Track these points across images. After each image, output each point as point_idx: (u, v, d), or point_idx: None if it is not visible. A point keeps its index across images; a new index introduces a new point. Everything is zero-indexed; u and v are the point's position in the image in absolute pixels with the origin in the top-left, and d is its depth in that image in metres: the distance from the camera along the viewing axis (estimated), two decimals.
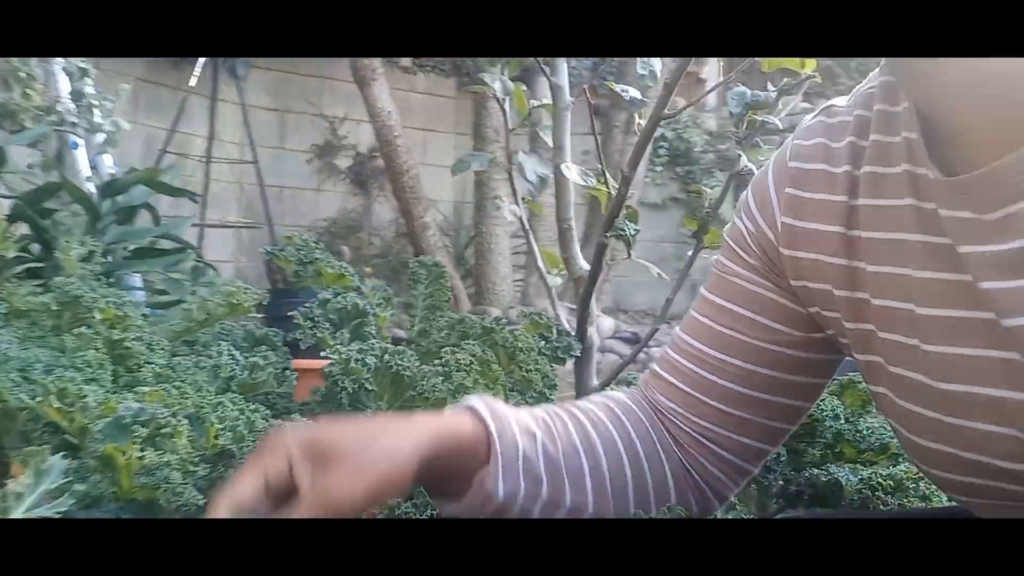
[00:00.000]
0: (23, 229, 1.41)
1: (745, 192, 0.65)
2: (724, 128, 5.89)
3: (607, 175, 0.91)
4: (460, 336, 1.23)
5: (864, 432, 0.90)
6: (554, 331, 1.04)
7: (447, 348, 0.89)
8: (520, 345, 0.94)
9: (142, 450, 0.56)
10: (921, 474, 0.76)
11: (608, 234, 0.88)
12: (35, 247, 1.38)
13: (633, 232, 0.88)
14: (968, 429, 0.51)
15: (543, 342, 1.03)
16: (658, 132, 4.15)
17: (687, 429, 0.64)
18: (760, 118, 0.99)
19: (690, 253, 1.03)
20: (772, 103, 0.99)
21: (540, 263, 1.24)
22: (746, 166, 0.95)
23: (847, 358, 0.67)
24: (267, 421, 0.59)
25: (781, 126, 1.00)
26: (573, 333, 1.06)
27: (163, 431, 0.57)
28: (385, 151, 3.34)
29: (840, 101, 0.63)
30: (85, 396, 0.57)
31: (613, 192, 0.90)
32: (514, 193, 1.27)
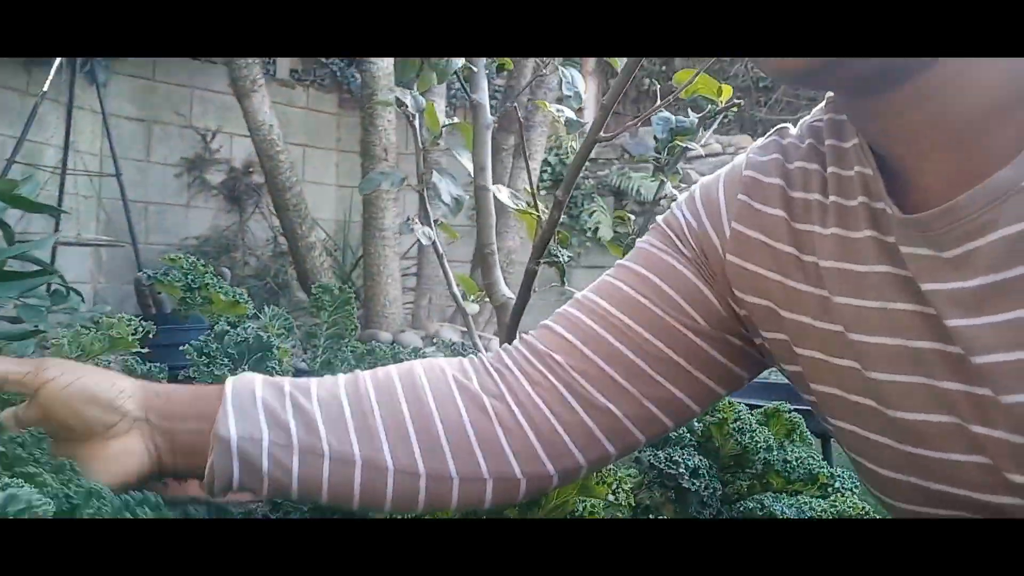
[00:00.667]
0: None
1: (691, 189, 0.63)
2: (601, 155, 6.07)
3: (536, 199, 0.87)
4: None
5: (793, 463, 0.90)
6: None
7: None
8: None
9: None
10: (871, 506, 0.75)
11: (541, 260, 0.83)
12: None
13: (567, 259, 0.84)
14: (936, 460, 0.50)
15: None
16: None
17: (554, 379, 0.58)
18: (683, 144, 0.98)
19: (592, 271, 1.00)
20: (694, 130, 0.99)
21: (454, 288, 1.17)
22: (671, 192, 0.94)
23: (749, 382, 0.65)
24: (159, 510, 0.49)
25: (703, 152, 1.00)
26: None
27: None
28: (266, 166, 3.16)
29: (792, 128, 0.62)
30: None
31: (543, 216, 0.86)
32: (426, 215, 1.20)
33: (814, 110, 0.61)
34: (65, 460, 0.53)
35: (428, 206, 1.24)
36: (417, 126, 1.13)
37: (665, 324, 0.59)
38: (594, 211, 5.29)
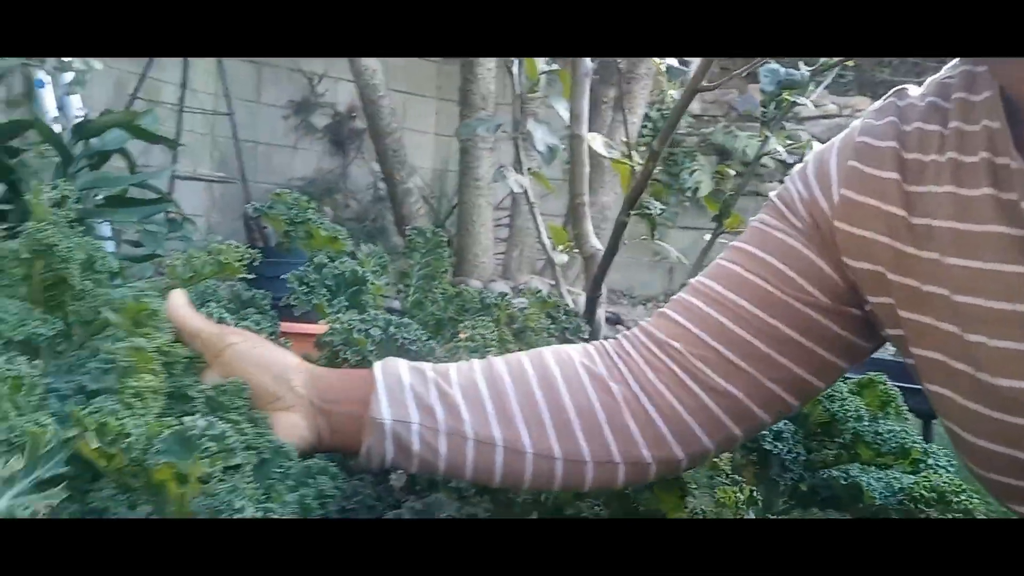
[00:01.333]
0: None
1: (805, 161, 0.63)
2: (707, 111, 5.86)
3: (631, 150, 0.86)
4: (458, 309, 1.17)
5: (884, 435, 0.87)
6: (562, 311, 0.99)
7: (466, 323, 0.83)
8: (531, 324, 0.89)
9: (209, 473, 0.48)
10: (967, 484, 0.73)
11: (632, 212, 0.82)
12: (0, 188, 1.28)
13: (659, 211, 0.83)
14: None
15: (550, 322, 0.98)
16: (643, 110, 4.06)
17: (674, 366, 0.60)
18: (792, 99, 0.94)
19: (707, 237, 0.98)
20: (805, 84, 0.94)
21: (545, 239, 1.18)
22: (775, 149, 0.90)
23: (871, 355, 0.64)
24: (335, 479, 0.55)
25: (815, 110, 0.96)
26: (580, 314, 1.01)
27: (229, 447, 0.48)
28: (368, 111, 3.23)
29: (912, 88, 0.60)
30: (128, 434, 0.47)
31: (638, 168, 0.85)
32: (519, 163, 1.21)
33: (945, 67, 0.59)
34: (260, 414, 0.58)
35: (522, 154, 1.24)
36: (515, 73, 1.13)
37: (781, 303, 0.58)
38: (695, 170, 5.15)
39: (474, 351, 0.81)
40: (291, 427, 0.60)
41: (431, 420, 0.59)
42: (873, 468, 0.87)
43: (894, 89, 0.61)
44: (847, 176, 0.58)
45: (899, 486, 0.79)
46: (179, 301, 0.68)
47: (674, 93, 0.84)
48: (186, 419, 0.48)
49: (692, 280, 0.64)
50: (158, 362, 0.57)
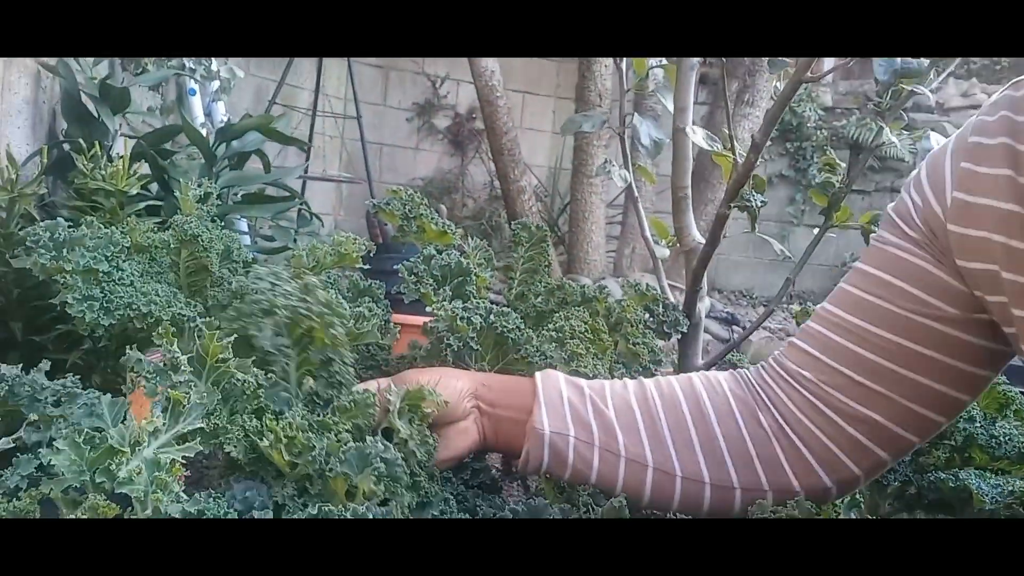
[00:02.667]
0: (143, 169, 1.47)
1: (918, 168, 0.62)
2: (840, 104, 5.57)
3: (734, 141, 0.85)
4: (559, 302, 1.20)
5: (1000, 438, 0.83)
6: (660, 304, 0.99)
7: (559, 314, 0.86)
8: (628, 316, 0.90)
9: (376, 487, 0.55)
10: None
11: (733, 204, 0.82)
12: (154, 187, 1.43)
13: (760, 204, 0.83)
14: None
15: (648, 315, 0.99)
16: (765, 104, 3.93)
17: (810, 396, 0.60)
18: (910, 88, 0.90)
19: (816, 231, 0.96)
20: (924, 72, 0.90)
21: (647, 232, 1.19)
22: (889, 140, 0.87)
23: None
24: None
25: (932, 99, 0.91)
26: (679, 308, 1.01)
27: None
28: (486, 111, 3.32)
29: None
30: (313, 448, 0.55)
31: (739, 160, 0.84)
32: (625, 157, 1.22)
33: None
34: (442, 471, 0.65)
35: (627, 148, 1.26)
36: (624, 68, 1.14)
37: (906, 321, 0.58)
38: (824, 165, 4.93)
39: (560, 341, 0.83)
40: (460, 434, 0.66)
41: (587, 435, 0.62)
42: (989, 473, 0.83)
43: (1011, 81, 0.58)
44: (960, 179, 0.56)
45: (1010, 489, 0.75)
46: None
47: (778, 85, 0.83)
48: (369, 439, 0.55)
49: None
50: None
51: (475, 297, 1.03)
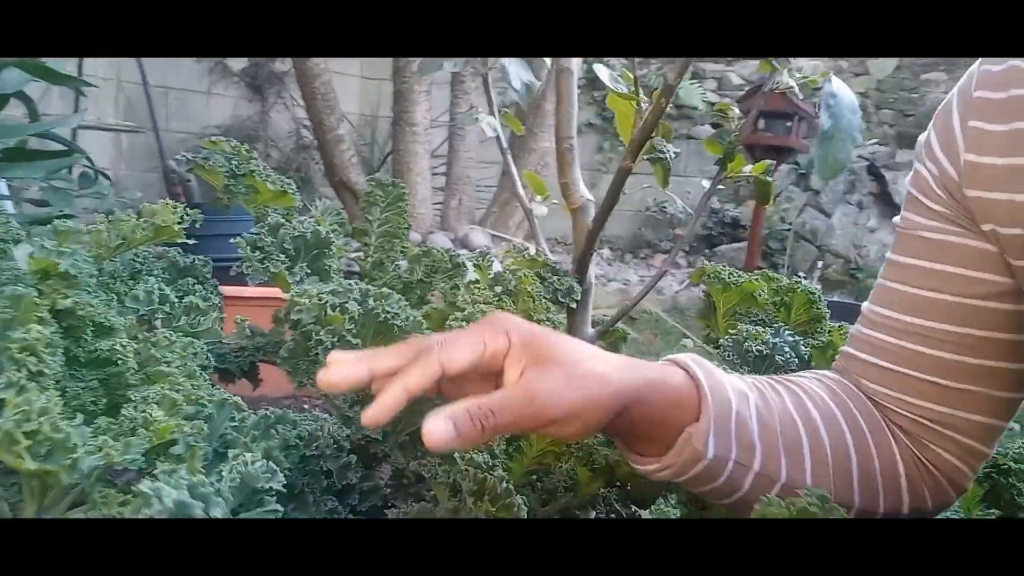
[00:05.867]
0: None
1: (925, 132, 0.56)
2: None
3: (638, 83, 0.75)
4: (427, 271, 1.05)
5: None
6: (551, 271, 0.88)
7: (462, 296, 0.72)
8: (526, 288, 0.78)
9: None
10: None
11: (645, 156, 0.72)
12: None
13: (673, 156, 0.73)
14: None
15: (539, 282, 0.87)
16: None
17: (904, 412, 0.55)
18: None
19: (705, 183, 0.89)
20: None
21: (519, 189, 1.07)
22: (784, 81, 0.82)
23: None
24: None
25: None
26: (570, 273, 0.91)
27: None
28: None
29: None
30: (74, 449, 0.39)
31: (644, 105, 0.74)
32: (490, 103, 1.08)
33: None
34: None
35: (491, 93, 1.12)
36: None
37: (963, 307, 0.53)
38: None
39: (469, 318, 0.70)
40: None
41: (747, 458, 0.52)
42: None
43: None
44: (971, 139, 0.52)
45: None
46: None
47: None
48: None
49: (864, 307, 0.59)
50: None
51: (334, 273, 0.85)
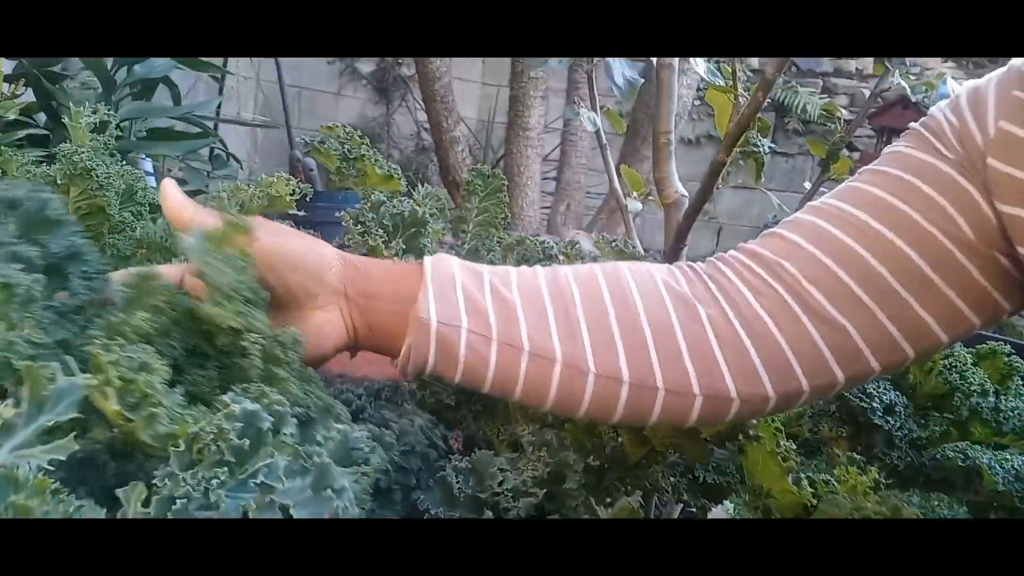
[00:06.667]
0: (28, 96, 1.24)
1: (955, 94, 0.54)
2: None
3: (735, 76, 0.75)
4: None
5: (1006, 411, 0.77)
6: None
7: None
8: None
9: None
10: None
11: (740, 149, 0.72)
12: (40, 116, 1.22)
13: (767, 149, 0.73)
14: None
15: None
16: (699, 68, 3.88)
17: (781, 290, 0.51)
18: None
19: (808, 184, 0.87)
20: None
21: (616, 184, 1.08)
22: (897, 82, 0.79)
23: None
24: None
25: (853, 65, 0.84)
26: None
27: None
28: None
29: None
30: (158, 403, 0.39)
31: (742, 100, 0.74)
32: (592, 99, 1.10)
33: None
34: (311, 370, 0.51)
35: (595, 90, 1.14)
36: None
37: (924, 233, 0.50)
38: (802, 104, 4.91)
39: None
40: (323, 326, 0.53)
41: (483, 326, 0.51)
42: (989, 449, 0.77)
43: None
44: (1009, 107, 0.49)
45: (1014, 469, 0.69)
46: (173, 192, 0.53)
47: None
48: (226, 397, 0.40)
49: (814, 202, 0.55)
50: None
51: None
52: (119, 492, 0.37)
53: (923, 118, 0.55)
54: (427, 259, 0.54)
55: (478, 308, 0.51)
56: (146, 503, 0.37)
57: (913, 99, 0.86)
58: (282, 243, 0.53)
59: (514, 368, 0.51)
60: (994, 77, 0.52)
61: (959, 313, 0.51)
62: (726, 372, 0.51)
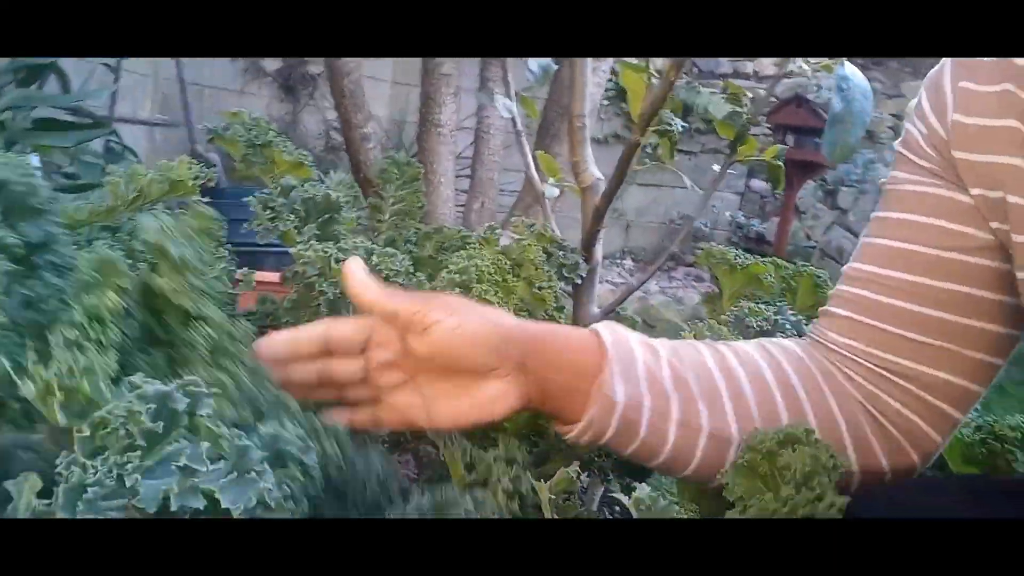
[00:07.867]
0: None
1: (918, 95, 0.57)
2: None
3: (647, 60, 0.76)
4: (436, 248, 1.07)
5: None
6: (558, 246, 0.89)
7: (461, 253, 0.73)
8: (529, 258, 0.79)
9: None
10: None
11: (654, 128, 0.73)
12: None
13: (680, 129, 0.74)
14: None
15: (546, 258, 0.88)
16: (606, 65, 3.96)
17: (867, 363, 0.54)
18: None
19: (717, 167, 0.89)
20: None
21: (532, 171, 1.08)
22: (798, 66, 0.82)
23: None
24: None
25: (750, 67, 0.87)
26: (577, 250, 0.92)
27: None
28: None
29: None
30: (108, 420, 0.36)
31: (655, 79, 0.75)
32: (506, 85, 1.10)
33: None
34: (262, 365, 0.49)
35: (508, 76, 1.13)
36: None
37: (937, 259, 0.53)
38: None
39: (464, 285, 0.71)
40: (498, 397, 0.54)
41: (664, 405, 0.54)
42: None
43: None
44: (960, 99, 0.52)
45: None
46: (358, 271, 0.56)
47: None
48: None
49: (845, 268, 0.58)
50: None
51: (343, 237, 0.87)
52: (8, 484, 0.34)
53: (901, 136, 0.57)
54: (604, 332, 0.56)
55: (658, 387, 0.54)
56: (44, 494, 0.34)
57: (807, 97, 0.89)
58: (464, 324, 0.54)
59: (692, 446, 0.54)
60: (947, 66, 0.54)
61: (1009, 307, 0.53)
62: (878, 449, 0.55)
